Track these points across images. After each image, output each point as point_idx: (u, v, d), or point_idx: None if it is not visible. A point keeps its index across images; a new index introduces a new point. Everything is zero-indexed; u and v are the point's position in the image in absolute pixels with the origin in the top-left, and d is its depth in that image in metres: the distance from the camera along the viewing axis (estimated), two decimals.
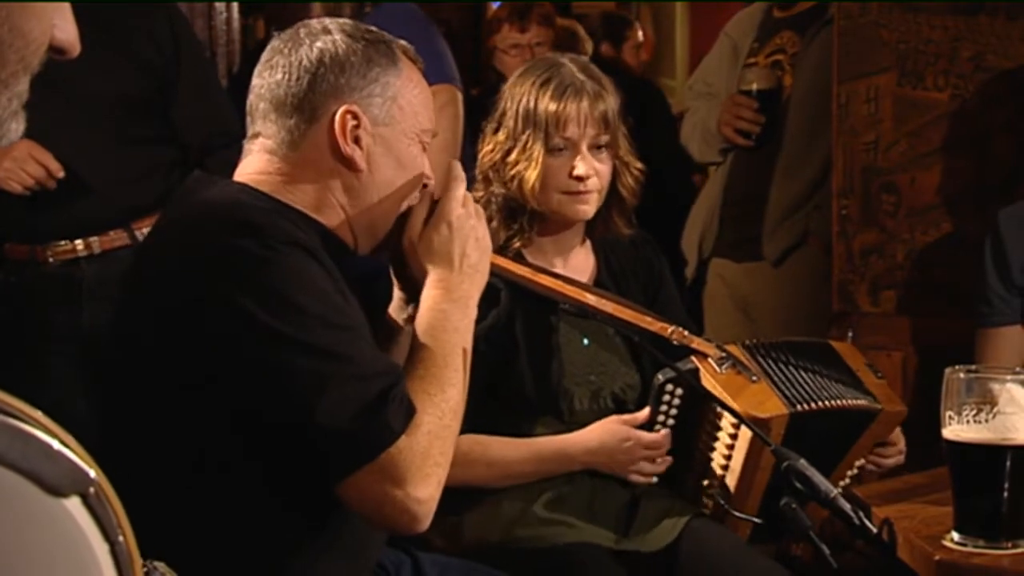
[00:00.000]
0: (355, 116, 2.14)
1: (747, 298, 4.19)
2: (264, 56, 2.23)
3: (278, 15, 4.15)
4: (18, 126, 1.43)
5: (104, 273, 3.41)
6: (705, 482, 2.71)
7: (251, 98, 2.22)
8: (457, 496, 2.57)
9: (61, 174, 3.36)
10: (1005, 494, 2.01)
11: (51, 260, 3.49)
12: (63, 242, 3.48)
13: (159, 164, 3.49)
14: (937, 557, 2.00)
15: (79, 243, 3.48)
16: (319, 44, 2.17)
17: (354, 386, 1.97)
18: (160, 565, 1.67)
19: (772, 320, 4.08)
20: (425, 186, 2.24)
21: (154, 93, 3.53)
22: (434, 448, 2.01)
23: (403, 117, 2.20)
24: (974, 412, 2.02)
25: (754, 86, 4.06)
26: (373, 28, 2.29)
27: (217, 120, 3.35)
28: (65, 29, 1.44)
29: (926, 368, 3.33)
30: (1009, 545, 2.01)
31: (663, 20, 9.67)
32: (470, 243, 2.18)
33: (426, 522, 2.01)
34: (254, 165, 2.19)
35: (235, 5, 4.96)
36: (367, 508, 2.00)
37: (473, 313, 2.19)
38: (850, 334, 3.43)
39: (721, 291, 4.26)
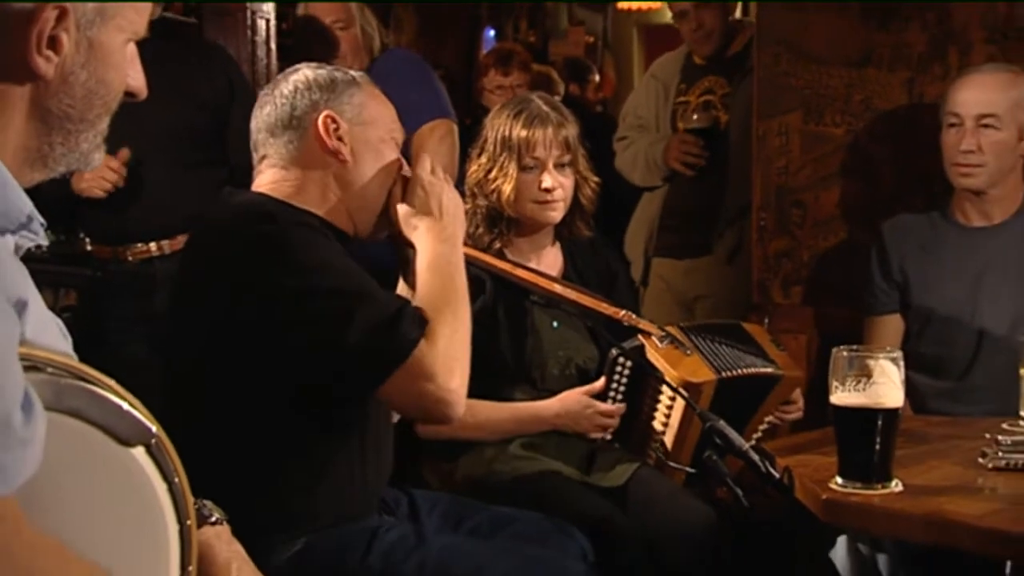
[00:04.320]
0: (333, 120, 2.17)
1: (686, 292, 4.14)
2: (256, 103, 2.27)
3: (301, 47, 4.08)
4: (100, 156, 1.46)
5: (172, 270, 3.27)
6: (649, 438, 2.70)
7: (252, 134, 2.25)
8: (450, 447, 2.67)
9: (123, 171, 3.33)
10: (877, 447, 2.02)
11: (130, 259, 3.47)
12: (140, 244, 3.46)
13: (214, 181, 3.41)
14: (824, 497, 2.01)
15: (153, 245, 3.46)
16: (293, 77, 2.22)
17: (372, 312, 1.98)
18: (208, 503, 1.72)
19: (706, 309, 4.05)
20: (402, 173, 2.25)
21: (211, 125, 3.51)
22: (452, 348, 2.02)
23: (372, 119, 2.23)
24: (854, 383, 2.02)
25: (696, 125, 4.03)
26: (336, 66, 2.33)
27: None
28: (136, 78, 1.46)
29: (825, 348, 3.18)
30: (880, 487, 2.02)
31: (623, 65, 9.71)
32: (444, 196, 2.20)
33: (460, 407, 2.03)
34: (266, 179, 2.22)
35: (273, 49, 4.92)
36: (408, 404, 2.06)
37: (460, 250, 2.20)
38: (766, 321, 3.39)
39: (661, 286, 4.21)
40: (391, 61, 3.95)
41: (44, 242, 1.43)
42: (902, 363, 2.04)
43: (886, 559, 2.50)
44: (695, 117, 4.05)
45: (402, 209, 2.20)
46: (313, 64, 2.27)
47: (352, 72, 2.28)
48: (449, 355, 2.01)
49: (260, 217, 2.08)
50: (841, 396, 2.02)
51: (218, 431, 2.06)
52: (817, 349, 3.36)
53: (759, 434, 2.76)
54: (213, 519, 1.70)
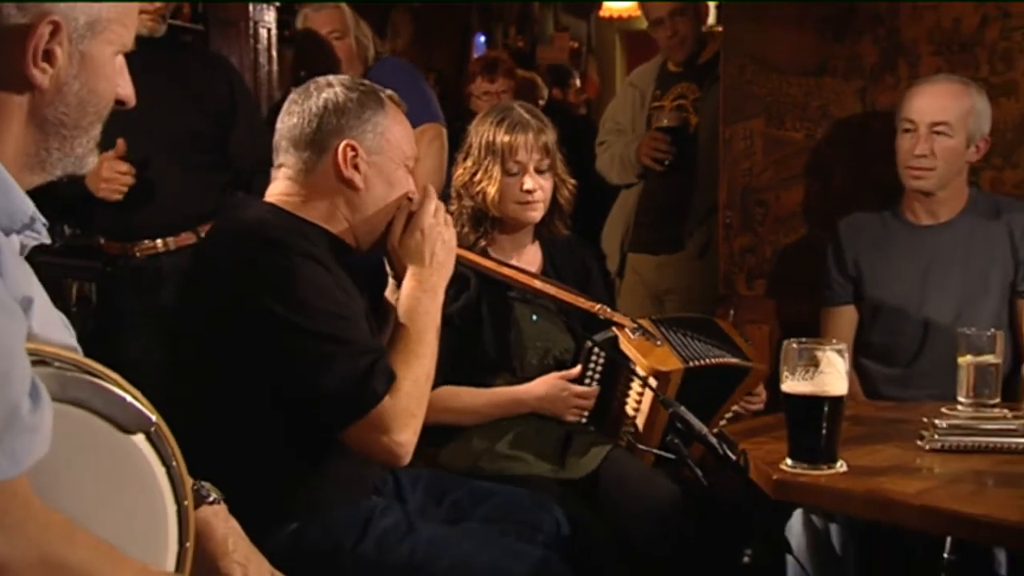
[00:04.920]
0: (353, 148, 2.14)
1: (658, 284, 4.14)
2: (285, 105, 2.25)
3: (302, 58, 4.16)
4: (93, 159, 1.46)
5: (177, 264, 3.39)
6: (621, 422, 2.69)
7: (276, 136, 2.23)
8: (435, 432, 2.62)
9: (132, 171, 3.31)
10: (823, 431, 2.03)
11: (138, 255, 3.46)
12: (147, 241, 3.46)
13: (217, 183, 3.49)
14: (775, 477, 2.03)
15: (159, 241, 3.46)
16: (324, 95, 2.17)
17: (349, 362, 1.99)
18: (206, 484, 1.70)
19: (676, 301, 4.04)
20: (409, 200, 2.21)
21: (215, 130, 3.50)
22: (411, 404, 2.03)
23: (390, 147, 2.19)
24: (803, 372, 2.02)
25: (666, 123, 4.02)
26: (366, 81, 2.27)
27: (260, 151, 3.18)
28: (125, 87, 1.46)
29: (785, 337, 3.28)
30: (826, 468, 2.03)
31: (606, 68, 9.69)
32: (438, 245, 2.18)
33: (406, 459, 2.05)
34: (279, 188, 2.20)
35: (275, 56, 4.95)
36: (363, 450, 2.04)
37: (440, 299, 2.18)
38: (731, 312, 3.42)
39: (635, 279, 4.20)
40: (384, 69, 3.94)
41: (47, 240, 1.43)
42: (847, 355, 2.05)
43: (838, 529, 2.51)
44: (666, 119, 4.05)
45: (398, 245, 2.19)
46: (347, 82, 2.21)
47: (382, 92, 2.23)
48: (408, 410, 2.02)
49: (268, 243, 2.05)
50: (791, 384, 2.03)
51: (216, 421, 2.06)
52: (778, 338, 3.25)
53: (724, 421, 2.77)
54: (211, 499, 1.69)
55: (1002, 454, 2.14)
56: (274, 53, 4.98)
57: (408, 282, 2.16)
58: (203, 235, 3.42)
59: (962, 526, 1.82)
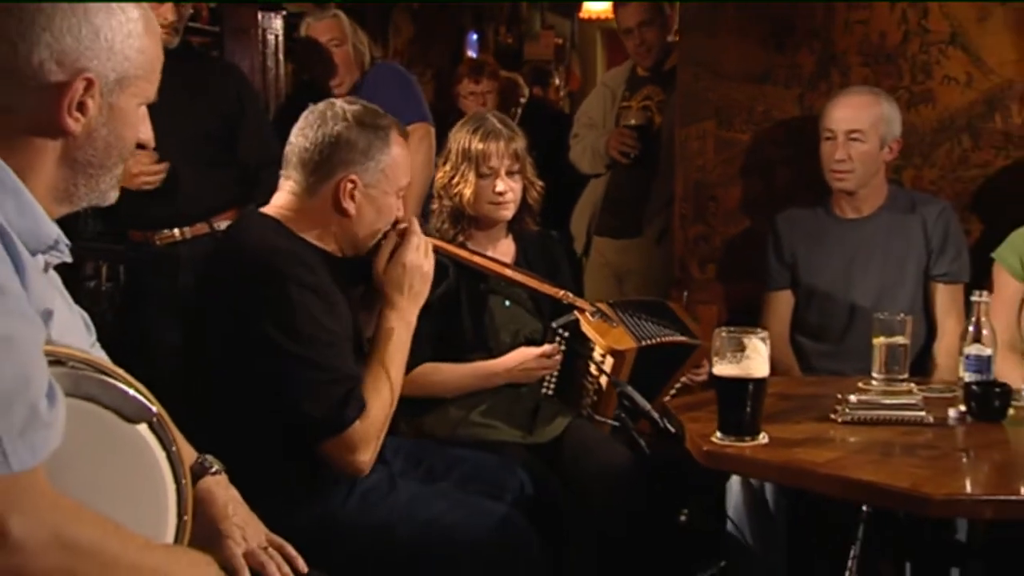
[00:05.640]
0: (353, 183, 2.14)
1: (619, 266, 4.14)
2: (301, 121, 2.20)
3: (304, 63, 4.15)
4: (114, 194, 1.50)
5: (193, 251, 3.40)
6: (581, 395, 2.70)
7: (288, 148, 2.20)
8: (420, 403, 2.64)
9: (163, 167, 3.31)
10: (748, 408, 2.04)
11: (158, 242, 3.46)
12: (166, 230, 3.46)
13: (228, 179, 3.47)
14: (705, 448, 2.04)
15: (177, 231, 3.45)
16: (338, 127, 2.15)
17: (328, 390, 2.02)
18: (209, 457, 1.72)
19: (636, 281, 4.05)
20: (396, 223, 2.22)
21: (226, 132, 3.48)
22: (376, 427, 2.07)
23: (387, 181, 2.18)
24: (731, 357, 2.03)
25: (633, 122, 4.04)
26: (379, 112, 2.22)
27: (267, 150, 3.22)
28: (146, 132, 1.50)
29: (732, 316, 3.35)
30: (749, 439, 2.05)
31: (588, 63, 9.65)
32: (416, 277, 2.19)
33: (366, 471, 2.07)
34: (282, 199, 2.19)
35: (281, 60, 4.94)
36: (331, 463, 2.06)
37: (412, 326, 2.20)
38: (685, 293, 3.43)
39: (600, 260, 4.21)
40: (379, 73, 3.95)
41: (68, 259, 1.46)
42: (768, 342, 2.06)
43: (771, 488, 2.53)
44: (633, 117, 4.06)
45: (382, 273, 2.19)
46: (361, 118, 2.18)
47: (391, 130, 2.20)
48: (372, 432, 2.05)
49: (270, 273, 2.05)
50: (720, 367, 2.05)
51: (218, 409, 2.07)
52: (726, 318, 3.38)
53: (674, 391, 2.79)
54: (214, 470, 1.71)
55: (904, 425, 2.17)
56: (281, 57, 4.95)
57: (386, 310, 2.17)
58: (216, 225, 3.44)
59: (861, 491, 1.83)
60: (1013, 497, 1.80)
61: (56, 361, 1.32)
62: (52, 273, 1.48)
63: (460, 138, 2.75)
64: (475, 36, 9.03)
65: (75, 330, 1.51)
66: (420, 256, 2.21)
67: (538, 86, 6.16)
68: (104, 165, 1.44)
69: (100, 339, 1.63)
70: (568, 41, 10.03)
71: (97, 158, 1.43)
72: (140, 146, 1.51)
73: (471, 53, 8.72)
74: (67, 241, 1.44)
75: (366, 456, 2.05)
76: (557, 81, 6.59)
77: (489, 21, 9.36)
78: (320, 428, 2.02)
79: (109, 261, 4.18)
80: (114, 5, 1.40)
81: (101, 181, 1.46)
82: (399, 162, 2.20)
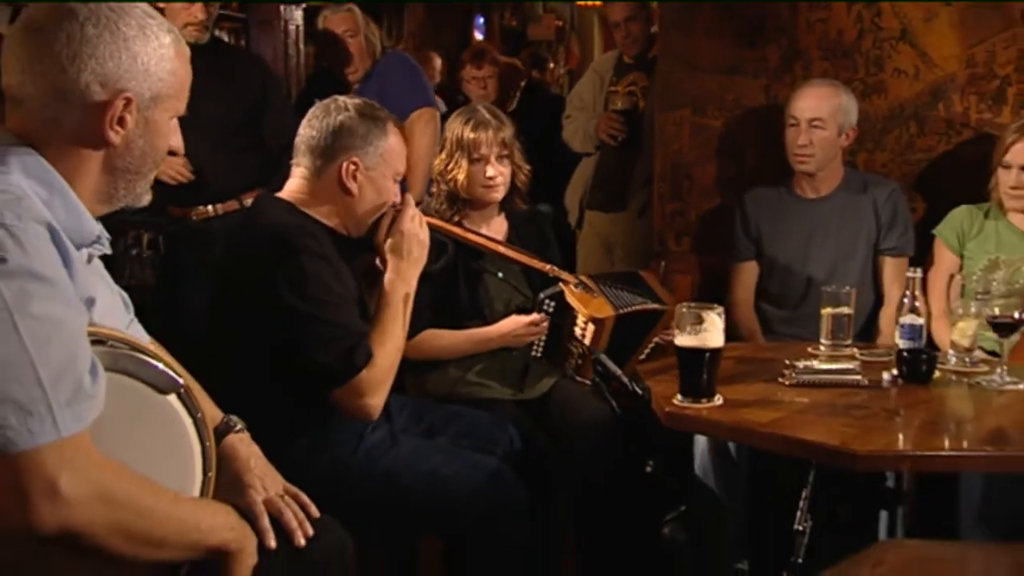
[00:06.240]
0: (355, 164, 2.19)
1: (608, 236, 4.16)
2: (309, 115, 2.25)
3: (321, 51, 4.15)
4: (148, 197, 1.55)
5: (224, 226, 3.44)
6: (566, 358, 2.71)
7: (297, 139, 2.25)
8: (423, 365, 2.70)
9: (188, 166, 3.35)
10: (704, 375, 2.08)
11: (194, 217, 3.50)
12: (201, 207, 3.50)
13: (252, 161, 3.50)
14: (667, 409, 2.07)
15: (210, 207, 3.50)
16: (340, 117, 2.20)
17: (338, 343, 2.05)
18: (234, 417, 1.76)
19: (622, 251, 4.07)
20: (394, 206, 2.26)
21: (251, 118, 3.51)
22: (383, 375, 2.09)
23: (385, 165, 2.23)
24: (691, 329, 2.06)
25: (620, 105, 4.05)
26: (376, 106, 2.26)
27: (287, 135, 3.13)
28: (176, 140, 1.56)
29: (705, 284, 3.38)
30: (705, 401, 2.08)
31: (586, 43, 9.58)
32: (414, 243, 2.22)
33: (375, 416, 2.11)
34: (294, 184, 2.25)
35: (302, 49, 4.93)
36: (343, 408, 2.09)
37: (413, 285, 2.22)
38: (663, 263, 3.43)
39: (591, 231, 4.22)
40: (389, 62, 3.95)
41: (109, 251, 1.52)
42: (724, 316, 2.08)
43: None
44: (620, 102, 4.07)
45: (383, 242, 2.23)
46: (361, 109, 2.22)
47: (388, 121, 2.24)
48: (378, 379, 2.08)
49: (284, 246, 2.08)
50: (681, 339, 2.08)
51: (242, 369, 2.11)
52: (699, 287, 3.41)
53: (648, 350, 2.79)
54: (237, 428, 1.74)
55: (843, 388, 2.20)
56: (301, 46, 4.96)
57: (389, 273, 2.20)
58: (244, 202, 3.48)
59: (798, 448, 1.86)
60: (929, 453, 1.85)
61: (98, 341, 1.39)
62: (96, 261, 1.54)
63: (454, 128, 2.76)
64: (482, 20, 9.01)
65: (115, 311, 1.58)
66: (415, 225, 2.23)
67: (537, 70, 6.12)
68: (140, 171, 1.51)
69: (141, 302, 1.69)
70: (568, 23, 9.95)
71: (134, 165, 1.50)
72: (172, 153, 1.58)
73: (478, 35, 8.71)
74: (107, 235, 1.50)
75: (374, 400, 2.07)
76: (553, 65, 6.52)
77: (495, 5, 9.34)
78: (332, 377, 2.05)
79: (150, 232, 4.21)
80: (149, 33, 1.46)
81: (137, 185, 1.52)
82: (395, 149, 2.24)
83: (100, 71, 1.41)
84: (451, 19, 8.33)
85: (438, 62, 5.21)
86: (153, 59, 1.46)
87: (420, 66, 4.13)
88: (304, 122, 2.26)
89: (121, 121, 1.44)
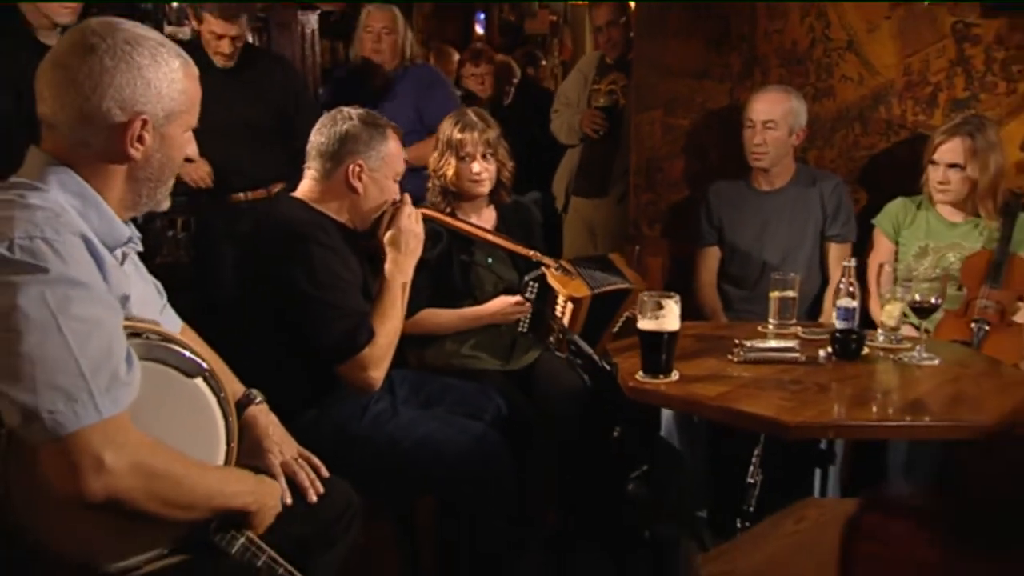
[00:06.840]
0: (360, 167, 2.22)
1: (591, 220, 4.19)
2: (318, 124, 2.29)
3: (360, 42, 4.00)
4: (167, 203, 1.59)
5: (252, 213, 3.41)
6: (547, 334, 2.73)
7: (308, 146, 2.28)
8: (422, 339, 2.73)
9: (208, 168, 3.39)
10: (663, 355, 2.11)
11: (227, 204, 3.53)
12: (232, 195, 3.54)
13: (279, 157, 3.50)
14: (630, 384, 2.10)
15: (241, 195, 3.55)
16: (346, 126, 2.24)
17: (343, 322, 2.09)
18: (254, 390, 1.82)
19: (603, 234, 4.09)
20: (394, 203, 2.29)
21: (280, 118, 3.52)
22: (382, 351, 2.12)
23: (386, 167, 2.27)
24: (651, 314, 2.09)
25: (602, 102, 4.08)
26: (377, 115, 2.28)
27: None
28: (192, 150, 1.58)
29: (674, 267, 3.42)
30: (663, 378, 2.11)
31: (578, 35, 9.50)
32: (411, 238, 2.25)
33: (376, 388, 2.14)
34: (306, 185, 2.28)
35: (317, 50, 4.93)
36: (348, 381, 2.12)
37: (409, 275, 2.24)
38: (637, 247, 3.44)
39: (576, 216, 4.25)
40: (430, 73, 3.93)
41: (140, 249, 1.57)
42: (679, 303, 2.11)
43: None
44: (601, 100, 4.09)
45: (384, 236, 2.26)
46: (365, 118, 2.24)
47: (388, 128, 2.26)
48: (379, 356, 2.10)
49: (297, 237, 2.12)
50: (643, 323, 2.11)
51: (259, 347, 2.15)
52: (668, 270, 3.44)
53: (620, 324, 2.79)
54: (258, 400, 1.80)
55: (783, 364, 2.24)
56: (316, 47, 4.99)
57: (389, 263, 2.23)
58: (271, 191, 3.52)
59: (739, 419, 1.90)
60: (852, 423, 1.91)
61: (134, 334, 1.45)
62: (131, 256, 1.59)
63: (444, 129, 2.78)
64: (482, 15, 9.00)
65: (149, 300, 1.62)
66: (411, 222, 2.26)
67: (530, 67, 6.12)
68: (160, 180, 1.55)
69: (175, 279, 1.69)
70: (561, 17, 9.91)
71: (155, 175, 1.53)
72: (188, 161, 1.62)
73: (479, 28, 8.71)
74: (138, 234, 1.56)
75: (376, 373, 2.10)
76: (545, 62, 6.49)
77: (494, 1, 9.32)
78: (338, 352, 2.08)
79: (185, 216, 4.26)
80: (160, 60, 1.50)
81: (157, 192, 1.56)
82: (395, 153, 2.27)
83: (119, 97, 1.44)
84: (455, 14, 8.32)
85: (456, 56, 5.22)
86: (164, 83, 1.48)
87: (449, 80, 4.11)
88: (314, 131, 2.29)
89: (140, 139, 1.47)
